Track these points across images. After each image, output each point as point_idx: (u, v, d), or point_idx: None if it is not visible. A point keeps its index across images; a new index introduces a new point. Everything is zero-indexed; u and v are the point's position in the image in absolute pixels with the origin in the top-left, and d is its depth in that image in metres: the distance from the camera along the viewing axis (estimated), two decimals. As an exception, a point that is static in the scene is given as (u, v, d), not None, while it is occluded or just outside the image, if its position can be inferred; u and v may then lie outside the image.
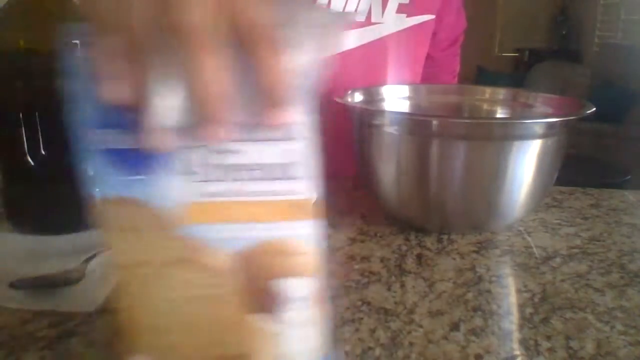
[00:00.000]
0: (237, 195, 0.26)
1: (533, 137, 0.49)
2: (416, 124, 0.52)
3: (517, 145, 0.49)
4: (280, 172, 0.26)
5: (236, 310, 0.28)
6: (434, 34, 0.90)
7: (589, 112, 0.51)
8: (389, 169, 0.54)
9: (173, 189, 0.26)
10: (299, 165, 0.26)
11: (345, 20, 0.28)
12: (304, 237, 0.27)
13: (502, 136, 0.49)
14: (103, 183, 0.25)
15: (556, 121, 0.52)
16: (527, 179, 0.51)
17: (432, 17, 0.82)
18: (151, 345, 0.28)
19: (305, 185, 0.27)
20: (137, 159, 0.25)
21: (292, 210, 0.27)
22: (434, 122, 0.51)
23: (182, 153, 0.25)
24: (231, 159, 0.26)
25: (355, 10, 0.74)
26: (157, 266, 0.27)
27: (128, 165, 0.25)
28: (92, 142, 0.25)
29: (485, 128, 0.50)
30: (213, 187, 0.26)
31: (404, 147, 0.52)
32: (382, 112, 0.60)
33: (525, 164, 0.50)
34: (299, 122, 0.26)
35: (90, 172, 0.25)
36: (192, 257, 0.27)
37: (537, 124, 0.50)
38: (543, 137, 0.49)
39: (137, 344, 0.28)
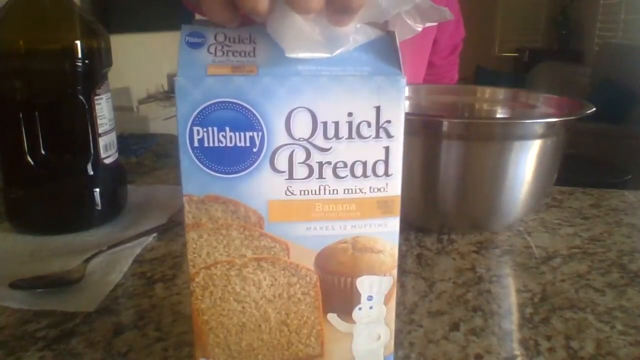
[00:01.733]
0: (323, 193, 0.26)
1: (533, 137, 0.49)
2: (416, 124, 0.52)
3: (517, 145, 0.49)
4: (368, 169, 0.26)
5: (312, 310, 0.28)
6: (435, 41, 0.90)
7: (589, 112, 0.51)
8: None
9: (263, 186, 0.26)
10: (387, 163, 0.26)
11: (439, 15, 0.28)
12: (388, 234, 0.28)
13: (502, 136, 0.49)
14: (194, 181, 0.25)
15: (556, 121, 0.52)
16: (527, 179, 0.51)
17: (433, 24, 0.82)
18: (224, 346, 0.28)
19: (393, 183, 0.27)
20: (228, 158, 0.25)
21: (379, 207, 0.27)
22: (434, 122, 0.51)
23: (275, 151, 0.25)
24: (321, 157, 0.26)
25: None
26: (238, 265, 0.27)
27: (219, 163, 0.25)
28: (187, 139, 0.25)
29: (485, 128, 0.50)
30: (301, 185, 0.26)
31: (403, 147, 0.52)
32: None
33: (525, 164, 0.50)
34: (393, 120, 0.26)
35: (183, 170, 0.25)
36: (274, 256, 0.27)
37: (537, 124, 0.50)
38: (543, 137, 0.49)
39: (210, 345, 0.28)
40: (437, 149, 0.50)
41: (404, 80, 0.26)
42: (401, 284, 0.45)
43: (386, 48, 0.27)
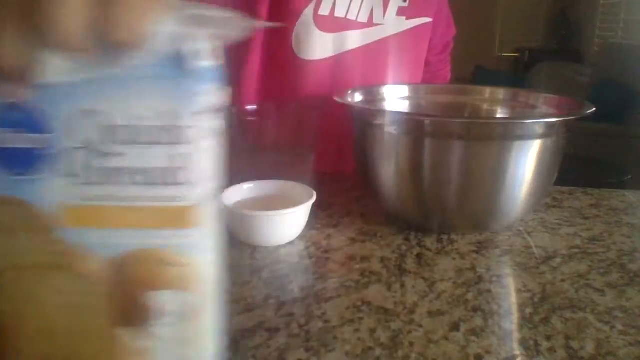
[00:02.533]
0: (118, 200, 0.25)
1: (533, 137, 0.49)
2: (416, 124, 0.52)
3: (517, 145, 0.49)
4: (163, 177, 0.25)
5: (105, 322, 0.26)
6: (430, 39, 0.90)
7: (589, 112, 0.51)
8: (389, 169, 0.54)
9: (54, 190, 0.24)
10: (184, 171, 0.25)
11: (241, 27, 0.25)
12: (185, 247, 0.25)
13: (502, 136, 0.49)
14: None
15: (556, 121, 0.52)
16: (527, 179, 0.51)
17: (430, 20, 0.82)
18: (16, 352, 0.26)
19: (191, 192, 0.25)
20: (20, 159, 0.24)
21: (179, 218, 0.25)
22: (434, 122, 0.52)
23: (66, 154, 0.24)
24: (113, 162, 0.24)
25: (358, 13, 0.74)
26: (30, 270, 0.25)
27: (11, 164, 0.24)
28: None
29: (485, 128, 0.50)
30: (94, 191, 0.25)
31: (403, 147, 0.52)
32: (382, 112, 0.60)
33: (525, 164, 0.50)
34: (187, 125, 0.24)
35: None
36: (66, 263, 0.25)
37: (537, 124, 0.50)
38: (543, 137, 0.49)
39: (6, 349, 0.26)
40: (437, 149, 0.50)
41: (194, 83, 0.24)
42: (401, 284, 0.45)
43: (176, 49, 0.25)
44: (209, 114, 0.25)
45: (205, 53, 0.25)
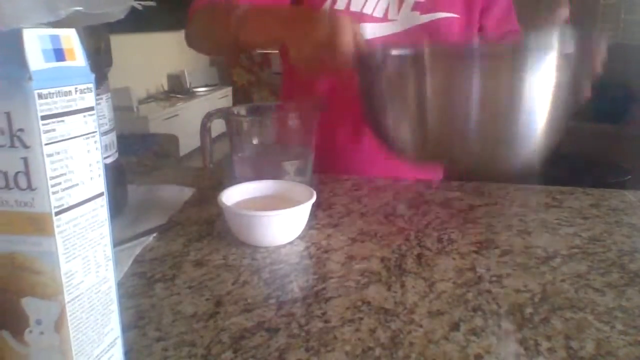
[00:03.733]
0: None
1: (548, 49, 0.46)
2: (420, 54, 0.48)
3: (531, 60, 0.46)
4: (10, 181, 0.24)
5: None
6: (482, 27, 0.90)
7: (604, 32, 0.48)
8: (397, 106, 0.52)
9: None
10: (28, 176, 0.24)
11: None
12: (45, 255, 0.25)
13: (516, 51, 0.46)
14: None
15: (571, 34, 0.47)
16: (545, 98, 0.47)
17: (453, 15, 0.81)
18: None
19: (40, 199, 0.24)
20: None
21: (30, 224, 0.24)
22: (439, 49, 0.49)
23: None
24: None
25: (374, 8, 0.78)
26: None
27: None
28: None
29: (497, 48, 0.47)
30: None
31: (412, 80, 0.49)
32: (384, 50, 0.55)
33: (542, 80, 0.46)
34: (21, 128, 0.23)
35: None
36: None
37: (552, 36, 0.47)
38: (559, 51, 0.46)
39: None
40: (447, 73, 0.48)
41: (30, 85, 0.23)
42: (401, 284, 0.45)
43: (14, 47, 0.23)
44: (67, 117, 0.24)
45: (58, 51, 0.24)
